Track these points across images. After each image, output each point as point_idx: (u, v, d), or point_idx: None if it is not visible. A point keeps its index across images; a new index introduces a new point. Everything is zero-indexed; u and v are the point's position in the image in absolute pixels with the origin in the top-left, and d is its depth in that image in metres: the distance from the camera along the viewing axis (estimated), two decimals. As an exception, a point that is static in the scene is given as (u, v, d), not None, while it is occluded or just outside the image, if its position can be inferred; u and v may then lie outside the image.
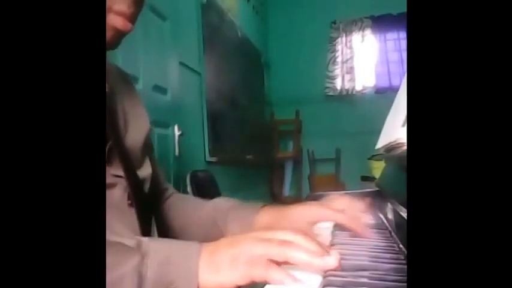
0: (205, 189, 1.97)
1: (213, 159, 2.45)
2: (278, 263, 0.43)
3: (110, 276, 0.40)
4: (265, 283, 0.42)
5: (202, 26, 2.46)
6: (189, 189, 1.84)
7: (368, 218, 0.56)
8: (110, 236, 0.41)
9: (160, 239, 0.45)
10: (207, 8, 2.54)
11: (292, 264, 0.42)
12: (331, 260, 0.42)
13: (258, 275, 0.42)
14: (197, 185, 1.89)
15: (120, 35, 0.55)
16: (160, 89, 1.94)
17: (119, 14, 0.53)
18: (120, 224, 0.58)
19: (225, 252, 0.44)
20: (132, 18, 0.55)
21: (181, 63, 2.19)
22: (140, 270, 0.41)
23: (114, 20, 0.53)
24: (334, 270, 0.42)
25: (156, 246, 0.43)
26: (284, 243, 0.43)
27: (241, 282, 0.42)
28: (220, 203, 0.73)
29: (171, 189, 0.81)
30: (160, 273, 0.42)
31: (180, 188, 1.90)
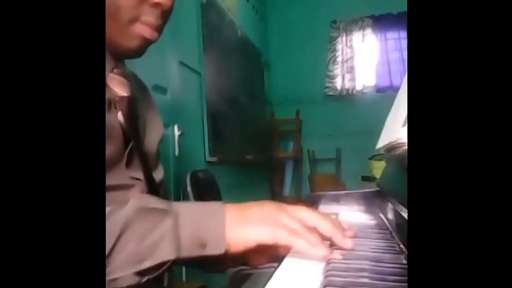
0: (205, 189, 1.97)
1: (213, 159, 2.45)
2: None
3: (148, 239, 0.43)
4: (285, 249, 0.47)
5: (202, 25, 2.46)
6: (189, 189, 1.83)
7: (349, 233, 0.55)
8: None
9: (185, 202, 0.48)
10: (207, 8, 2.54)
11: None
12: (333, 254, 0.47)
13: (282, 237, 0.46)
14: (197, 185, 1.89)
15: (147, 43, 0.57)
16: (160, 89, 1.94)
17: (147, 24, 0.55)
18: None
19: (254, 210, 0.48)
20: (160, 28, 0.57)
21: (181, 63, 2.19)
22: (175, 231, 0.44)
23: (142, 29, 0.55)
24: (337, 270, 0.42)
25: (185, 207, 0.46)
26: (306, 225, 0.48)
27: (266, 240, 0.46)
28: None
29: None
30: (192, 233, 0.44)
31: (180, 188, 1.89)
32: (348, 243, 0.50)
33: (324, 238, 0.49)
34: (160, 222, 0.44)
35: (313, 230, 0.49)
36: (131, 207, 0.44)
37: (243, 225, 0.46)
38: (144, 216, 0.44)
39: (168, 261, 0.43)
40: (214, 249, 0.45)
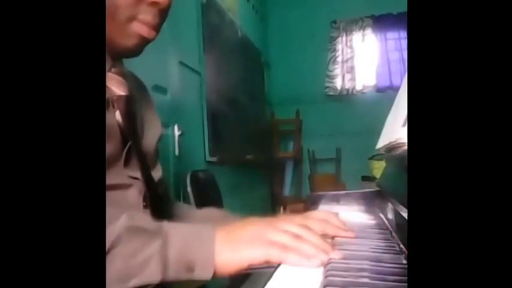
0: (206, 189, 1.97)
1: (213, 159, 2.45)
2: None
3: (137, 259, 0.42)
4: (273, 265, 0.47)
5: (202, 25, 2.45)
6: (189, 189, 1.83)
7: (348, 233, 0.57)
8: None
9: (176, 223, 0.48)
10: (207, 8, 2.54)
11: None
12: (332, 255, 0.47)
13: (274, 255, 0.46)
14: (197, 185, 1.89)
15: (145, 42, 0.57)
16: (160, 89, 1.94)
17: (145, 23, 0.55)
18: None
19: (243, 230, 0.48)
20: (157, 27, 0.57)
21: (181, 63, 2.19)
22: (164, 252, 0.43)
23: (139, 28, 0.55)
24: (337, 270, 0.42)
25: (175, 229, 0.46)
26: (297, 237, 0.48)
27: (258, 260, 0.46)
28: (211, 212, 0.76)
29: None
30: (181, 255, 0.44)
31: (180, 188, 1.89)
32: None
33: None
34: (150, 243, 0.43)
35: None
36: (123, 224, 0.44)
37: (233, 246, 0.46)
38: (134, 235, 0.43)
39: (154, 282, 0.43)
40: (202, 273, 0.44)
